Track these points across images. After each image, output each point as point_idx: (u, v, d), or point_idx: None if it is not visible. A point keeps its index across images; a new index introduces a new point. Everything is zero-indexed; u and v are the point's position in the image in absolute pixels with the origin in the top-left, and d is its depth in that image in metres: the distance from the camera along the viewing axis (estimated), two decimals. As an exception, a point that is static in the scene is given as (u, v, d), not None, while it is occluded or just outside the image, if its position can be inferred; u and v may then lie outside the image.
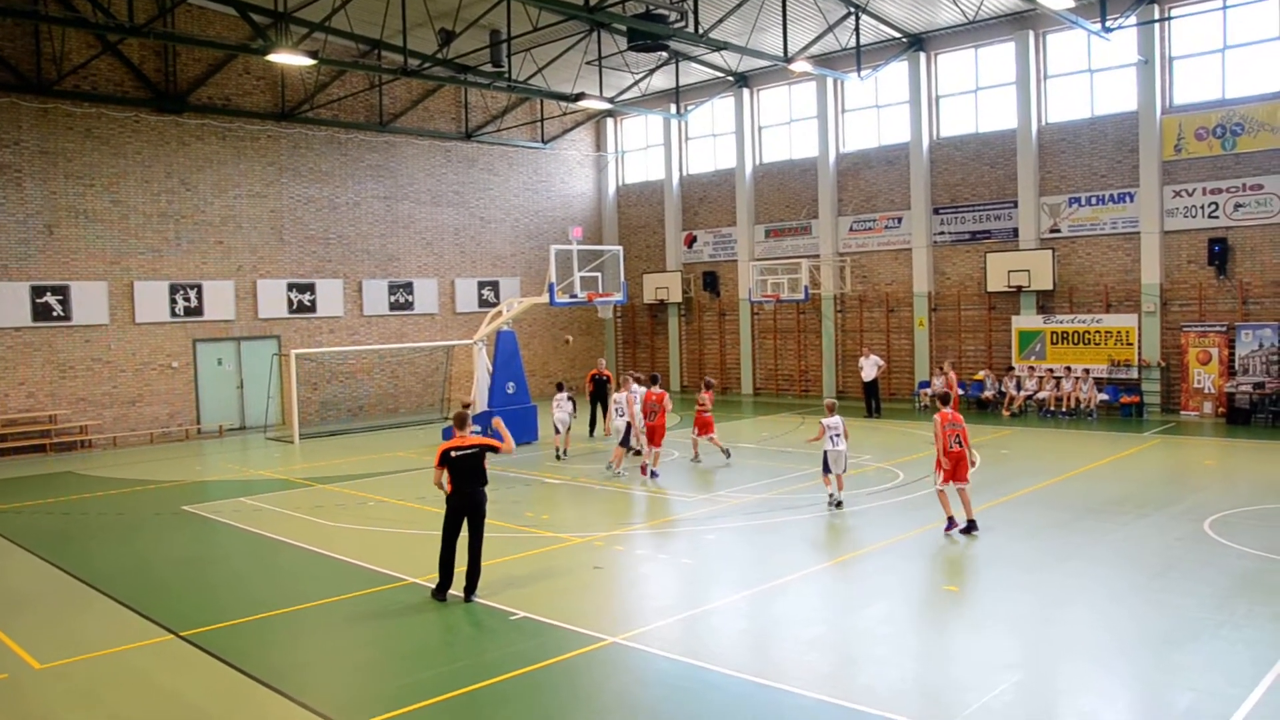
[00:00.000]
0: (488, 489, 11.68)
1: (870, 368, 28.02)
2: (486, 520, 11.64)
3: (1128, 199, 26.57)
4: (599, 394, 25.51)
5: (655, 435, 19.20)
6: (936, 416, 14.34)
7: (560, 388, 23.20)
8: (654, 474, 18.89)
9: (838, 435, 15.84)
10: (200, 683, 9.36)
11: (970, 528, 13.98)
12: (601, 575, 12.79)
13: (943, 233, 30.25)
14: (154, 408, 27.60)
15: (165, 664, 9.87)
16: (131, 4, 20.82)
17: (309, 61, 22.51)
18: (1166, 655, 9.40)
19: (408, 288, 32.97)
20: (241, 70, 29.10)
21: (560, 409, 22.34)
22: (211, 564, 14.13)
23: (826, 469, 15.94)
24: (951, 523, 14.09)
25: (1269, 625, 9.94)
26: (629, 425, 19.84)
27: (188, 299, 28.03)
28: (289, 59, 22.07)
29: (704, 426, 20.51)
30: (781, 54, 26.13)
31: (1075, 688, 8.79)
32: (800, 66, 26.18)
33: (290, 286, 30.18)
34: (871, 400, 27.94)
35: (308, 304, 30.56)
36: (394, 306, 32.67)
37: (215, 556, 14.57)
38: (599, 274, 24.54)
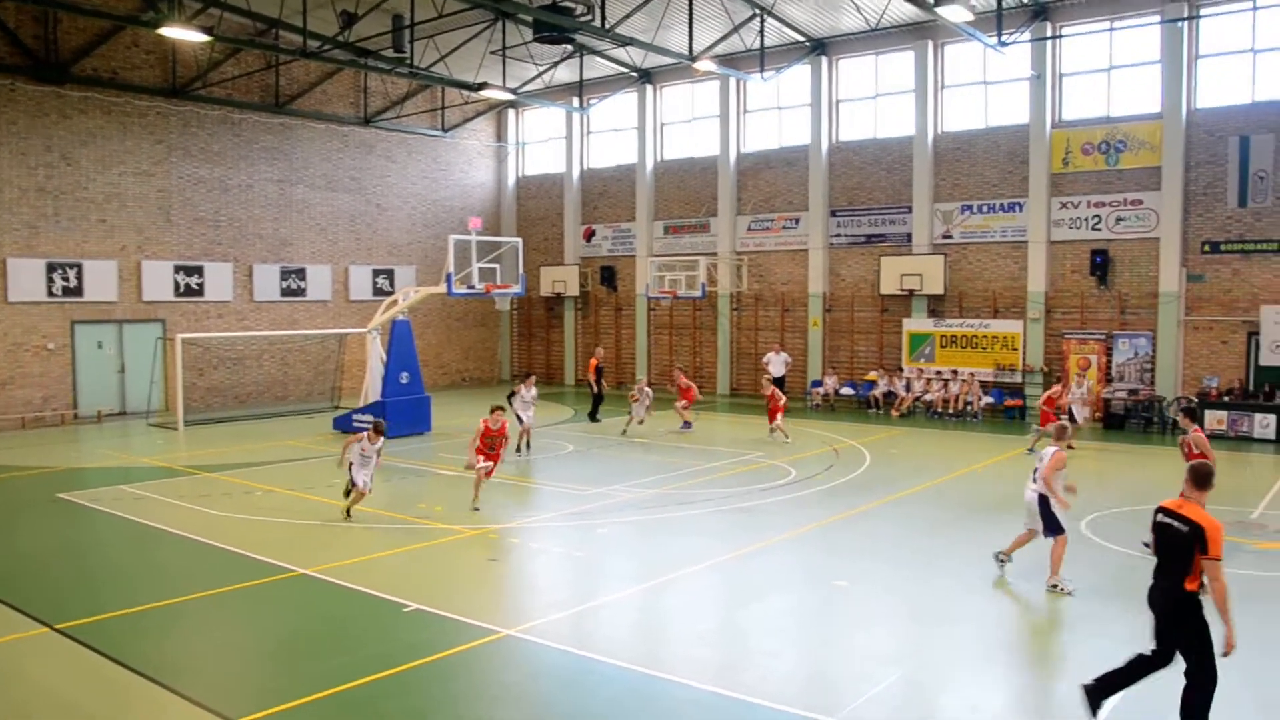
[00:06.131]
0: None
1: (779, 364, 28.72)
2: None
3: (1017, 208, 27.40)
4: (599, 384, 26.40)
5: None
6: None
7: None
8: None
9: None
10: (79, 678, 9.00)
11: None
12: (495, 568, 12.71)
13: (839, 235, 30.78)
14: (26, 390, 26.44)
15: (39, 659, 9.47)
16: (11, -34, 19.89)
17: (203, 38, 21.84)
18: (1045, 648, 9.75)
19: (300, 274, 32.24)
20: (130, 43, 28.04)
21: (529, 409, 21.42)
22: (89, 554, 13.61)
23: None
24: None
25: (1140, 620, 10.32)
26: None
27: (66, 279, 26.90)
28: (181, 34, 21.36)
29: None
30: (686, 52, 26.26)
31: (957, 681, 9.05)
32: (704, 65, 26.35)
33: (177, 269, 29.21)
34: None
35: (195, 287, 29.63)
36: (286, 292, 31.91)
37: (94, 546, 14.03)
38: (497, 265, 24.35)
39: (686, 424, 24.49)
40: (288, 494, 17.09)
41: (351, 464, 14.77)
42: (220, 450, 22.03)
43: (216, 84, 29.51)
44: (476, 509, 15.41)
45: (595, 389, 26.72)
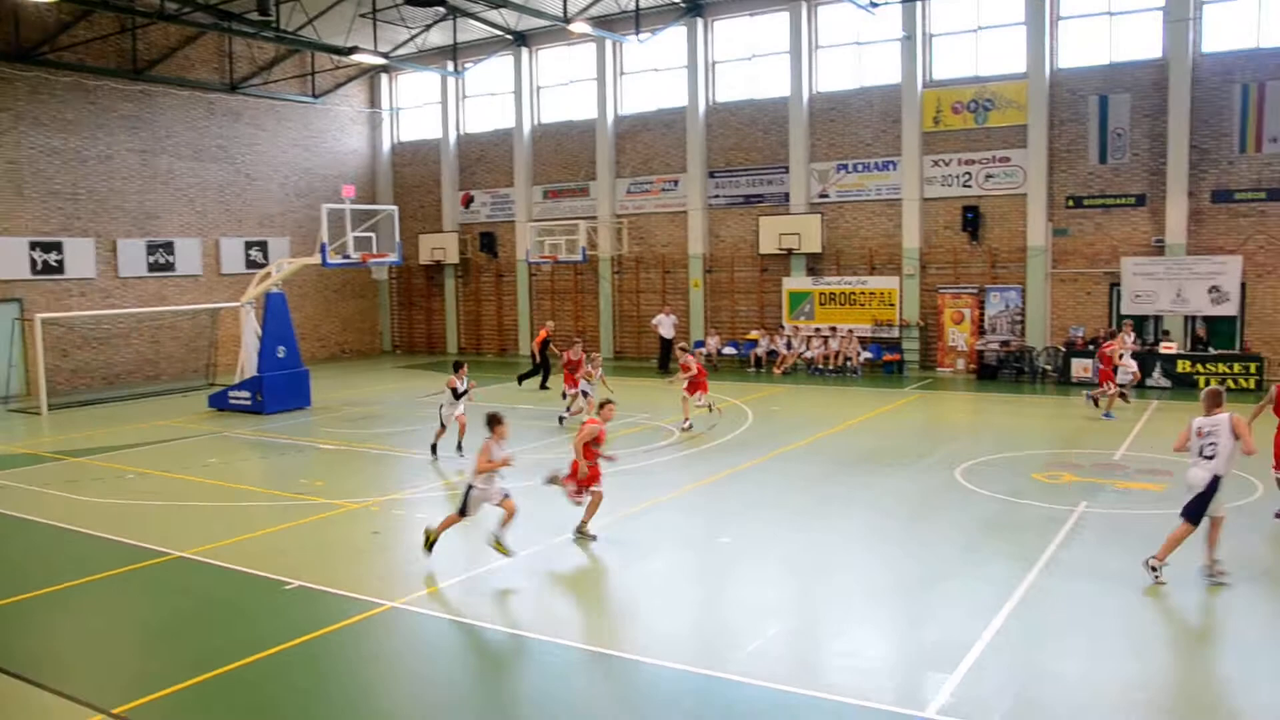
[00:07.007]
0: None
1: (668, 326, 29.16)
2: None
3: (891, 167, 27.94)
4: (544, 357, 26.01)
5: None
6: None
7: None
8: None
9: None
10: (-66, 674, 8.59)
11: None
12: (379, 540, 12.54)
13: (717, 196, 30.98)
14: (-125, 378, 25.00)
15: (-108, 656, 9.00)
16: None
17: (50, -1, 20.76)
18: (920, 594, 10.06)
19: (168, 248, 31.05)
20: (-31, 5, 26.49)
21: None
22: (-54, 545, 12.98)
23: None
24: None
25: (1008, 562, 10.78)
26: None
27: (-89, 258, 25.45)
28: (26, -4, 20.28)
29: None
30: (561, 14, 26.02)
31: (838, 630, 9.30)
32: (579, 27, 26.14)
33: (33, 245, 27.83)
34: (666, 358, 28.63)
35: (54, 264, 28.30)
36: (153, 268, 30.70)
37: (-50, 537, 13.39)
38: (373, 234, 23.90)
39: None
40: (163, 476, 16.52)
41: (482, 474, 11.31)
42: (89, 434, 21.19)
43: (67, 48, 28.06)
44: (594, 537, 12.11)
45: (537, 359, 26.24)
